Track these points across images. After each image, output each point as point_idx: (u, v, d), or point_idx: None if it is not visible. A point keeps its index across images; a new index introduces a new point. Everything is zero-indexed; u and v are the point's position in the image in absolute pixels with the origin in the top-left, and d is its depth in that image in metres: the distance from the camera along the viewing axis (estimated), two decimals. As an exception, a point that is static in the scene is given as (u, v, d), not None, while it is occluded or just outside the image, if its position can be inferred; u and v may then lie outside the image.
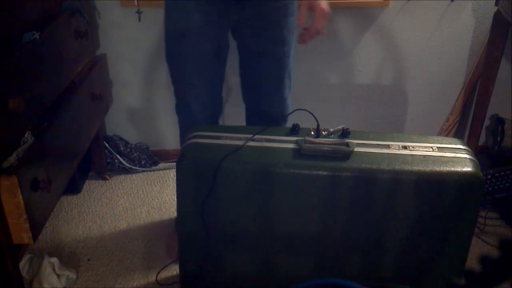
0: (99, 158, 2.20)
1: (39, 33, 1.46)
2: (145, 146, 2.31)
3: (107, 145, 2.23)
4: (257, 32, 1.50)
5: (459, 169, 1.25)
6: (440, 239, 1.32)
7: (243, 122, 1.73)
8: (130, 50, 2.12)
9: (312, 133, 1.35)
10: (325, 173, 1.25)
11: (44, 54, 1.50)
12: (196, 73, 1.54)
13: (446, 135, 2.32)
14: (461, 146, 1.34)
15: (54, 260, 1.65)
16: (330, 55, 2.18)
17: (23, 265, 1.60)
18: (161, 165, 2.34)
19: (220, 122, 1.76)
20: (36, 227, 1.33)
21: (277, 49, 1.52)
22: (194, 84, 1.56)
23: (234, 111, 1.73)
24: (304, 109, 1.37)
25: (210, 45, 1.49)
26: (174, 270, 1.73)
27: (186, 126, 1.69)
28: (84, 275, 1.73)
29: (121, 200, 2.11)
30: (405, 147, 1.31)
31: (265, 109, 1.64)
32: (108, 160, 2.24)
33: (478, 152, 2.12)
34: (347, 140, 1.30)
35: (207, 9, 1.43)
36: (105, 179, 2.22)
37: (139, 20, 2.00)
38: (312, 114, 1.35)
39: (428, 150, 1.30)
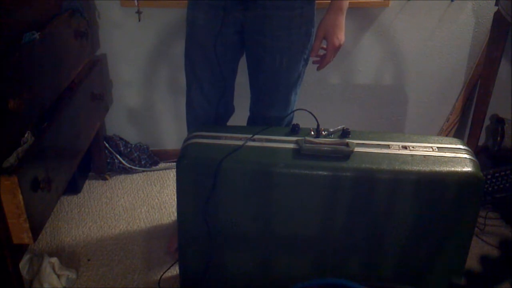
0: (99, 158, 2.20)
1: (39, 33, 1.46)
2: (145, 146, 2.31)
3: (107, 145, 2.23)
4: (255, 37, 1.49)
5: (459, 169, 1.25)
6: (440, 239, 1.32)
7: (243, 123, 1.73)
8: (130, 50, 2.12)
9: (312, 133, 1.35)
10: (325, 173, 1.25)
11: (44, 54, 1.50)
12: (199, 64, 1.54)
13: (446, 135, 2.32)
14: (461, 146, 1.34)
15: (54, 260, 1.65)
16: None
17: (23, 265, 1.60)
18: (161, 165, 2.34)
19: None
20: (36, 227, 1.33)
21: (274, 59, 1.50)
22: (198, 75, 1.56)
23: (241, 111, 1.72)
24: (304, 109, 1.37)
25: (213, 39, 1.48)
26: (174, 270, 1.73)
27: (189, 122, 1.69)
28: (84, 275, 1.73)
29: (121, 200, 2.11)
30: (405, 147, 1.31)
31: (259, 115, 1.64)
32: (108, 160, 2.24)
33: (478, 152, 2.12)
34: (347, 140, 1.30)
35: (214, 3, 1.43)
36: (105, 179, 2.22)
37: (139, 20, 1.99)
38: (312, 114, 1.35)
39: (428, 150, 1.30)
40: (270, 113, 1.61)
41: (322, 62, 1.53)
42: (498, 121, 2.23)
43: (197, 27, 1.50)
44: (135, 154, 2.28)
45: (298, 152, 1.28)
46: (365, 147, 1.31)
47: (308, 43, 1.51)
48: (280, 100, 1.59)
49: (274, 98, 1.59)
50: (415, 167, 1.25)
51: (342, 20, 1.47)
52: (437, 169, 1.25)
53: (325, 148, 1.28)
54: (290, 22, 1.45)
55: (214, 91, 1.58)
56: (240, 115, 1.72)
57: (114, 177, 2.24)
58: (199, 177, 1.29)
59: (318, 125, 1.34)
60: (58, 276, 1.63)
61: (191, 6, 1.51)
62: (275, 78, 1.54)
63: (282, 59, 1.49)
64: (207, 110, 1.61)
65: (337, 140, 1.31)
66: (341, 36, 1.48)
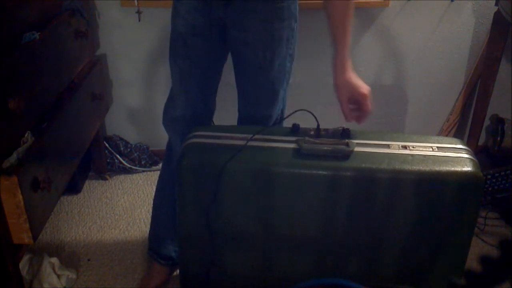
0: (99, 158, 2.20)
1: (39, 33, 1.47)
2: (145, 146, 2.31)
3: (107, 145, 2.23)
4: (236, 34, 1.45)
5: (459, 169, 1.25)
6: (440, 239, 1.32)
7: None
8: (130, 50, 2.12)
9: (312, 133, 1.35)
10: (325, 173, 1.25)
11: (44, 54, 1.50)
12: (182, 58, 1.52)
13: (446, 135, 2.32)
14: (461, 146, 1.33)
15: (54, 260, 1.65)
16: (330, 55, 2.17)
17: (23, 265, 1.60)
18: (161, 165, 2.33)
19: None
20: (36, 227, 1.33)
21: (257, 55, 1.46)
22: (181, 68, 1.54)
23: (232, 111, 1.72)
24: (304, 109, 1.37)
25: (197, 33, 1.46)
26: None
27: (167, 116, 1.63)
28: (84, 275, 1.73)
29: (121, 200, 2.11)
30: (405, 147, 1.31)
31: (246, 114, 1.59)
32: (108, 160, 2.24)
33: (478, 152, 2.12)
34: (347, 140, 1.30)
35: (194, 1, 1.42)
36: (105, 179, 2.22)
37: (139, 20, 2.00)
38: (312, 114, 1.35)
39: (428, 150, 1.30)
40: (256, 112, 1.57)
41: (362, 115, 1.42)
42: (498, 121, 2.23)
43: (180, 23, 1.48)
44: (135, 154, 2.28)
45: (298, 152, 1.28)
46: (365, 147, 1.30)
47: (292, 38, 1.47)
48: (266, 98, 1.54)
49: (260, 97, 1.54)
50: (415, 167, 1.25)
51: (354, 74, 1.43)
52: (437, 169, 1.25)
53: (325, 148, 1.28)
54: (272, 15, 1.41)
55: (196, 86, 1.55)
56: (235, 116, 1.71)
57: (114, 177, 2.24)
58: (200, 177, 1.29)
59: (318, 125, 1.34)
60: (58, 276, 1.63)
61: (175, 5, 1.49)
62: (259, 75, 1.49)
63: (265, 54, 1.45)
64: (185, 100, 1.56)
65: (337, 140, 1.31)
66: (364, 84, 1.42)
